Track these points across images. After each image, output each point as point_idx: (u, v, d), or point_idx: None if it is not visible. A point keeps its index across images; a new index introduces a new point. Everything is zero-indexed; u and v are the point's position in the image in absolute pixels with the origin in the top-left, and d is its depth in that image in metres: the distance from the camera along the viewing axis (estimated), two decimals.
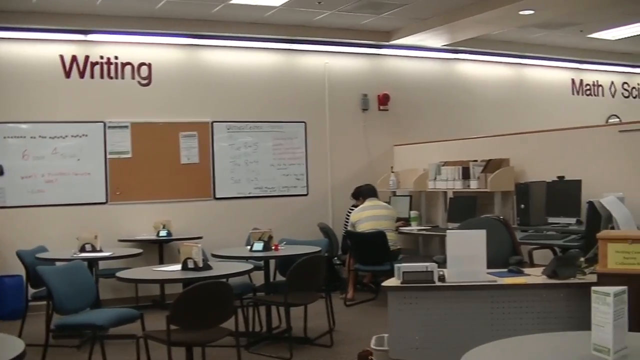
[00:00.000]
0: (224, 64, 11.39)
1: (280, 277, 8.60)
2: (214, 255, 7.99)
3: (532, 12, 10.42)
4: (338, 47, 12.15)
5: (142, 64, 10.83)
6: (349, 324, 8.96)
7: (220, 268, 6.88)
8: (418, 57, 13.00)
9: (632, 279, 4.14)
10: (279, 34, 11.52)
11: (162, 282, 8.41)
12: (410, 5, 10.46)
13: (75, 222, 10.03)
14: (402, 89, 12.75)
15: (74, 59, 10.45)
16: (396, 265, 5.33)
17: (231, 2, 9.96)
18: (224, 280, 6.31)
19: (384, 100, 12.52)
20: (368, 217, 10.25)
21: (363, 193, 10.83)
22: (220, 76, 11.33)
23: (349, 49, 12.28)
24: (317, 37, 11.81)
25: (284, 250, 8.30)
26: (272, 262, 8.50)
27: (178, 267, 6.75)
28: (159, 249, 10.42)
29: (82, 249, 8.51)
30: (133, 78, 10.77)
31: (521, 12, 10.42)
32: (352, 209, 10.78)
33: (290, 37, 11.64)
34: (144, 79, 10.83)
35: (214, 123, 11.21)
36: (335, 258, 11.19)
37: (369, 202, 10.53)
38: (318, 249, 8.32)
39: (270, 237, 8.24)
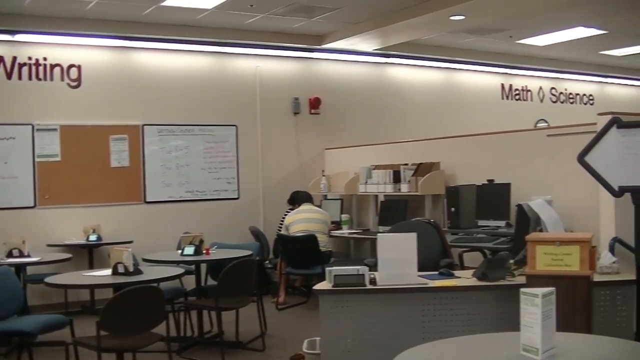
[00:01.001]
0: (155, 66, 11.30)
1: (211, 281, 8.55)
2: (144, 260, 7.93)
3: (462, 17, 10.53)
4: (270, 50, 12.14)
5: (72, 65, 10.66)
6: (281, 327, 8.95)
7: (151, 272, 6.83)
8: (349, 61, 13.06)
9: (560, 280, 4.21)
10: (210, 37, 11.47)
11: (92, 288, 8.30)
12: (342, 9, 10.50)
13: (2, 227, 9.81)
14: (333, 92, 12.79)
15: (0, 59, 10.26)
16: (327, 269, 5.35)
17: (163, 4, 9.89)
18: (155, 284, 6.27)
19: (315, 103, 12.55)
20: (301, 219, 10.27)
21: (299, 198, 10.85)
22: (152, 79, 11.23)
23: (280, 52, 12.28)
24: (248, 41, 11.79)
25: (215, 254, 8.27)
26: (203, 266, 8.45)
27: (108, 272, 6.69)
28: (88, 253, 10.28)
29: (10, 254, 8.39)
30: (62, 80, 10.60)
31: (452, 18, 10.54)
32: (288, 213, 10.79)
33: (222, 40, 11.60)
34: (73, 80, 10.67)
35: (145, 126, 11.11)
36: (267, 262, 11.16)
37: (304, 206, 10.56)
38: (249, 252, 8.32)
39: (202, 241, 8.21)
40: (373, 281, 5.25)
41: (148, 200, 11.11)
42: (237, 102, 11.90)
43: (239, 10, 10.40)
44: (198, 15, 10.60)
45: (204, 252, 8.15)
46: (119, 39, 10.89)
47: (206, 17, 10.67)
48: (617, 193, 4.86)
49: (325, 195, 12.00)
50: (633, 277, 4.93)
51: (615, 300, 5.27)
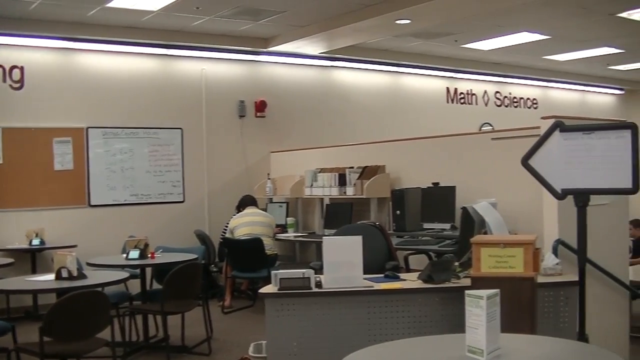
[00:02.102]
0: (100, 68, 11.17)
1: (157, 286, 8.51)
2: (89, 264, 7.83)
3: (408, 21, 10.60)
4: (215, 53, 12.10)
5: (14, 66, 10.50)
6: (227, 331, 8.93)
7: (95, 277, 6.76)
8: (295, 64, 13.07)
9: (504, 282, 4.25)
10: (156, 39, 11.40)
11: (35, 293, 8.22)
12: (288, 12, 10.50)
13: None
14: (279, 95, 12.79)
15: None
16: (273, 272, 5.33)
17: (108, 5, 9.79)
18: (100, 289, 6.21)
19: (261, 106, 12.53)
20: (246, 222, 10.26)
21: (243, 202, 10.85)
22: (96, 81, 11.10)
23: (226, 55, 12.24)
24: (194, 43, 11.73)
25: (160, 258, 8.20)
26: (148, 270, 8.38)
27: (52, 276, 6.60)
28: (31, 258, 10.12)
29: None
30: (4, 81, 10.43)
31: (398, 22, 10.60)
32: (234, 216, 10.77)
33: (167, 42, 11.53)
34: (16, 82, 10.51)
35: (89, 129, 10.98)
36: (213, 265, 11.13)
37: (248, 210, 10.56)
38: (195, 256, 8.26)
39: (146, 245, 8.13)
40: (319, 284, 5.25)
41: (92, 203, 10.98)
42: (182, 105, 11.84)
43: (184, 12, 10.34)
44: (143, 17, 10.52)
45: (149, 256, 8.07)
46: (63, 40, 10.76)
47: (152, 19, 10.59)
48: (560, 195, 4.91)
49: (271, 199, 11.98)
50: (576, 278, 4.99)
51: (559, 301, 5.32)
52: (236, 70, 12.46)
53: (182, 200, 11.77)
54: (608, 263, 6.34)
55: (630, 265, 8.35)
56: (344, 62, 13.60)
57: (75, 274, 6.50)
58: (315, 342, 5.16)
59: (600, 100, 19.40)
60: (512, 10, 10.59)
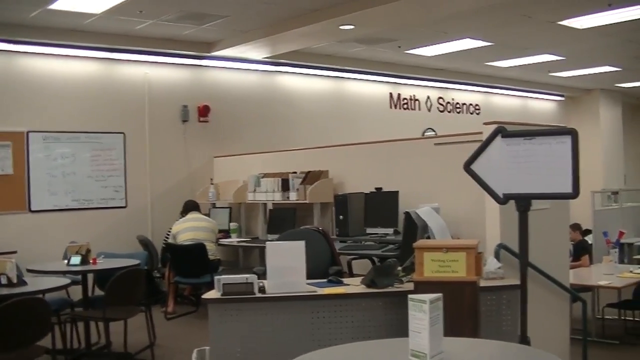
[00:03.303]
0: (41, 71, 11.01)
1: (98, 292, 8.43)
2: (29, 270, 7.73)
3: (352, 27, 10.63)
4: (159, 57, 12.02)
5: None
6: (170, 337, 8.87)
7: (35, 283, 6.68)
8: (239, 69, 13.05)
9: (447, 286, 4.27)
10: (98, 43, 11.27)
11: None
12: (232, 17, 10.47)
13: None
14: (222, 100, 12.75)
15: None
16: (216, 277, 5.31)
17: (50, 7, 9.64)
18: (40, 296, 6.14)
19: (204, 111, 12.48)
20: (188, 228, 10.24)
21: (186, 207, 10.81)
22: (37, 84, 10.93)
23: (169, 59, 12.17)
24: (137, 47, 11.64)
25: (102, 263, 8.13)
26: (90, 276, 8.31)
27: None
28: None
29: None
30: None
31: (341, 27, 10.62)
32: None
33: (110, 45, 11.41)
34: None
35: (30, 133, 10.82)
36: (155, 271, 11.05)
37: (191, 215, 10.54)
38: (137, 262, 8.21)
39: (88, 251, 8.07)
40: (262, 289, 5.23)
41: (33, 209, 10.82)
42: (125, 109, 11.73)
43: (128, 15, 10.25)
44: (86, 20, 10.39)
45: (91, 261, 8.01)
46: (4, 42, 10.57)
47: (94, 22, 10.47)
48: (502, 200, 4.95)
49: (214, 204, 11.94)
50: (517, 282, 5.02)
51: (501, 304, 5.37)
52: (179, 75, 12.39)
53: (124, 205, 11.66)
54: (549, 267, 6.41)
55: (571, 268, 8.48)
56: (287, 67, 13.61)
57: (15, 280, 6.42)
58: (259, 347, 5.14)
59: (542, 106, 19.67)
60: (455, 17, 10.67)
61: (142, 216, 11.80)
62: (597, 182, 17.21)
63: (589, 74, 16.82)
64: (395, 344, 3.43)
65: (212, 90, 12.70)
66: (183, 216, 10.79)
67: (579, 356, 6.79)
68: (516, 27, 11.66)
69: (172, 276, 10.25)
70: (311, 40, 11.73)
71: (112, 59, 11.63)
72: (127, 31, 11.17)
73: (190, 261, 9.92)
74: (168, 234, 10.81)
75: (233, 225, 11.39)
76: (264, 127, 13.19)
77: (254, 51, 12.28)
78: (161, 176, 12.03)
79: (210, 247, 10.12)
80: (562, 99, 20.01)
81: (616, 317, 9.57)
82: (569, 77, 17.24)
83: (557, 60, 14.79)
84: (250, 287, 5.18)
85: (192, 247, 9.92)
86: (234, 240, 11.17)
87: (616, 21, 11.24)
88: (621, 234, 11.04)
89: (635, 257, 12.10)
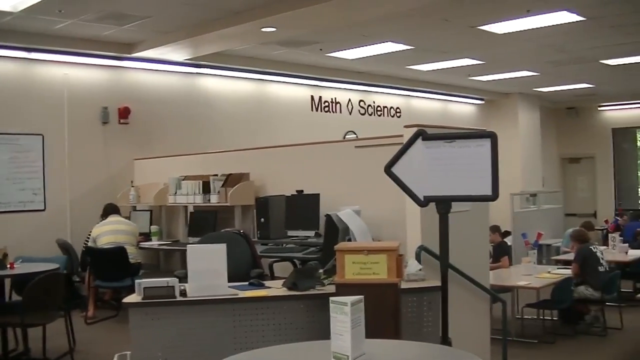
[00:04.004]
0: None
1: (16, 297, 8.27)
2: None
3: (274, 29, 10.62)
4: (79, 57, 11.82)
5: None
6: (91, 342, 8.76)
7: None
8: (160, 71, 12.92)
9: (368, 288, 4.30)
10: (16, 42, 11.03)
11: None
12: (153, 17, 10.38)
13: None
14: (143, 102, 12.62)
15: None
16: (137, 281, 5.26)
17: None
18: None
19: (124, 113, 12.33)
20: (109, 231, 10.13)
21: (106, 210, 10.69)
22: None
23: (89, 60, 11.98)
24: (57, 47, 11.43)
25: (20, 268, 7.99)
26: (7, 281, 8.16)
27: None
28: None
29: None
30: None
31: (263, 29, 10.61)
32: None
33: (28, 45, 11.19)
34: None
35: None
36: (75, 275, 10.87)
37: (111, 218, 10.44)
38: (56, 266, 8.08)
39: (5, 255, 7.93)
40: (183, 293, 5.20)
41: None
42: (44, 111, 11.51)
43: (47, 15, 10.07)
44: (4, 19, 10.17)
45: (8, 266, 7.86)
46: None
47: (12, 20, 10.26)
48: (423, 203, 5.00)
49: (135, 207, 11.83)
50: (438, 283, 5.08)
51: (422, 306, 5.43)
52: (100, 76, 12.22)
53: (43, 208, 11.45)
54: (469, 268, 6.48)
55: (491, 270, 8.61)
56: (209, 69, 13.54)
57: None
58: (180, 351, 5.11)
59: (462, 109, 19.92)
60: (377, 21, 10.74)
61: (62, 219, 11.60)
62: (516, 185, 17.50)
63: (508, 78, 17.10)
64: (317, 347, 3.44)
65: (133, 92, 12.56)
66: (103, 219, 10.66)
67: (499, 355, 6.88)
68: (437, 32, 11.78)
69: (93, 280, 10.13)
70: (233, 42, 11.68)
71: (30, 59, 11.41)
72: (46, 31, 10.97)
73: (111, 265, 9.82)
74: (88, 238, 10.66)
75: (154, 228, 11.30)
76: (185, 130, 13.09)
77: (175, 52, 12.18)
78: (81, 179, 11.84)
79: (131, 250, 10.03)
80: (482, 102, 20.30)
81: (535, 316, 9.75)
82: (488, 81, 17.50)
83: (476, 64, 15.00)
84: (172, 291, 5.14)
85: (112, 251, 9.82)
86: (154, 243, 11.08)
87: (534, 27, 11.45)
88: (539, 235, 11.24)
89: (553, 258, 12.32)
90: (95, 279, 10.09)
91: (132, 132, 12.50)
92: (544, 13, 10.66)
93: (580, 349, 8.81)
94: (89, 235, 10.58)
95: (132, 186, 11.82)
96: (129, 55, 12.21)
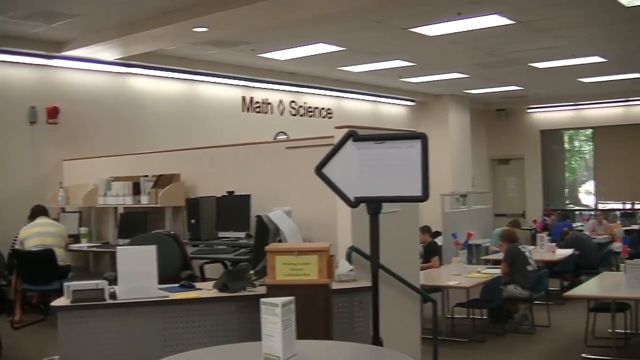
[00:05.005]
0: None
1: None
2: None
3: (205, 29, 10.57)
4: (5, 55, 11.57)
5: None
6: (18, 347, 8.64)
7: None
8: (90, 70, 12.73)
9: (299, 290, 4.29)
10: None
11: None
12: (83, 16, 10.24)
13: None
14: (73, 101, 12.43)
15: None
16: (65, 284, 5.20)
17: None
18: None
19: (53, 113, 12.13)
20: (36, 233, 9.97)
21: (34, 212, 10.50)
22: None
23: (17, 58, 11.73)
24: None
25: None
26: None
27: None
28: None
29: None
30: None
31: (195, 29, 10.55)
32: None
33: None
34: None
35: None
36: (2, 278, 10.69)
37: (39, 220, 10.25)
38: None
39: None
40: (113, 295, 5.15)
41: None
42: None
43: None
44: None
45: None
46: None
47: None
48: (353, 203, 5.01)
49: (63, 208, 11.66)
50: (369, 284, 5.11)
51: (353, 306, 5.45)
52: (27, 75, 12.00)
53: None
54: (400, 268, 6.53)
55: (421, 270, 8.70)
56: (140, 69, 13.40)
57: None
58: (110, 355, 5.06)
59: (393, 111, 20.04)
60: (309, 22, 10.75)
61: None
62: (446, 186, 17.70)
63: (439, 80, 17.27)
64: (248, 348, 3.43)
65: (61, 91, 12.36)
66: (31, 221, 10.48)
67: (430, 355, 6.95)
68: (368, 33, 11.83)
69: (20, 283, 9.97)
70: (164, 42, 11.59)
71: None
72: None
73: (39, 267, 9.67)
74: (15, 240, 10.48)
75: (83, 230, 11.16)
76: (115, 130, 12.94)
77: (105, 52, 12.04)
78: (7, 180, 11.62)
79: (60, 252, 9.88)
80: (413, 104, 20.45)
81: (465, 315, 9.86)
82: (419, 82, 17.64)
83: (407, 66, 15.10)
84: (101, 293, 5.09)
85: (40, 253, 9.66)
86: (84, 245, 10.94)
87: (464, 30, 11.57)
88: (469, 235, 11.38)
89: (482, 257, 12.48)
90: (23, 282, 9.92)
91: (61, 132, 12.30)
92: (475, 16, 10.78)
93: (509, 347, 8.95)
94: (16, 237, 10.40)
95: (61, 187, 11.65)
96: (58, 54, 12.02)
